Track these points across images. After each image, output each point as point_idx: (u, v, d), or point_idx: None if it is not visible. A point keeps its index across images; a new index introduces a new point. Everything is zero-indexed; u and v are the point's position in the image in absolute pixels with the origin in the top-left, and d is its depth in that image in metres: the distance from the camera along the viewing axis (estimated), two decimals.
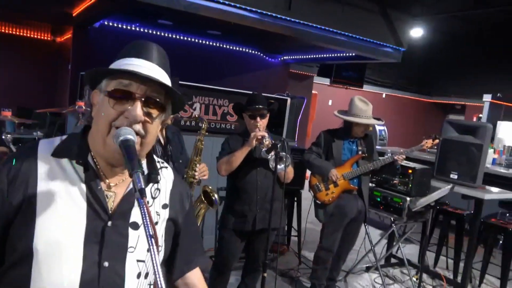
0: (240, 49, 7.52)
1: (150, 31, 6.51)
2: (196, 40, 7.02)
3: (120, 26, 6.22)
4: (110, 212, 1.01)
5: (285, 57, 8.02)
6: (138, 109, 0.97)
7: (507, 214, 4.47)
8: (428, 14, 6.79)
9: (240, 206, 2.87)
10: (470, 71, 10.28)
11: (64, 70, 6.83)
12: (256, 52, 7.73)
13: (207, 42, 7.12)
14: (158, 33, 6.60)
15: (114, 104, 0.98)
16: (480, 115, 9.70)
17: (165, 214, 1.13)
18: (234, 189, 2.93)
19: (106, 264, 0.98)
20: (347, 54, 6.69)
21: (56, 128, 5.12)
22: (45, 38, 7.56)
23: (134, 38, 1.01)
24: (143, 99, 0.99)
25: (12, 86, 7.19)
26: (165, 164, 1.21)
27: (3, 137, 3.65)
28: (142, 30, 6.43)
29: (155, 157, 1.17)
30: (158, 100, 1.01)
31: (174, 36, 6.79)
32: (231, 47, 7.40)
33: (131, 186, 1.04)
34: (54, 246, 0.94)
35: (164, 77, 1.04)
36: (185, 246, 1.22)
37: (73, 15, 5.88)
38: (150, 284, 1.07)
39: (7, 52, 7.20)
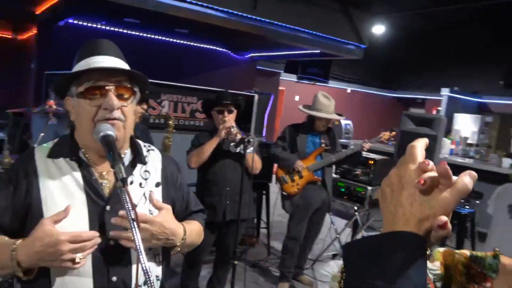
0: (208, 46, 7.60)
1: (116, 29, 6.49)
2: (164, 38, 7.04)
3: (85, 24, 6.17)
4: (106, 197, 1.15)
5: (252, 54, 8.16)
6: (113, 98, 1.11)
7: (462, 200, 4.79)
8: (389, 12, 7.09)
9: (210, 198, 2.99)
10: (430, 66, 10.75)
11: (26, 68, 6.69)
12: (223, 50, 7.83)
13: (175, 40, 7.16)
14: (125, 31, 6.59)
15: (90, 102, 1.12)
16: (439, 108, 10.17)
17: (159, 191, 1.26)
18: (203, 182, 3.04)
19: (112, 243, 1.12)
20: (312, 51, 6.90)
21: (20, 129, 5.04)
22: (5, 36, 7.37)
23: (100, 36, 1.12)
24: (113, 88, 1.12)
25: None
26: (152, 147, 1.34)
27: None
28: (108, 28, 6.40)
29: (140, 142, 1.31)
30: (126, 84, 1.15)
31: (141, 34, 6.79)
32: (198, 45, 7.46)
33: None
34: None
35: (123, 65, 1.19)
36: (182, 210, 1.37)
37: (36, 13, 5.79)
38: (155, 255, 1.22)
39: None
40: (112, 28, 6.45)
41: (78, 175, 1.14)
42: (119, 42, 1.24)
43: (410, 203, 0.53)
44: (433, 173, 0.53)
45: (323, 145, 3.69)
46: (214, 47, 7.67)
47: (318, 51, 6.65)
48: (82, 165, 1.16)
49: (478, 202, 4.74)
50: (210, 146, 2.86)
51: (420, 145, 0.58)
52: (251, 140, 2.72)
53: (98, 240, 1.05)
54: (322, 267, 4.36)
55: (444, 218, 0.51)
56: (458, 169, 3.97)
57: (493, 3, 6.64)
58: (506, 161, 5.97)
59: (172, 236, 1.17)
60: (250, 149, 2.75)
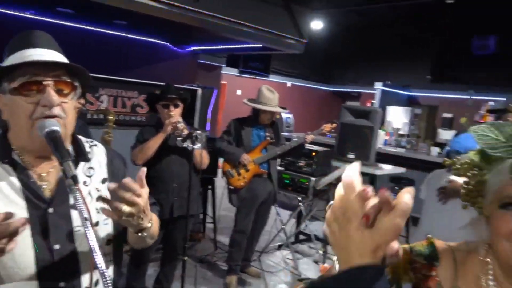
0: (148, 39, 7.37)
1: (47, 19, 6.08)
2: (101, 30, 6.72)
3: (12, 13, 5.71)
4: (48, 199, 1.06)
5: (193, 48, 8.04)
6: (52, 94, 1.02)
7: (396, 187, 5.11)
8: (327, 7, 7.32)
9: (156, 195, 2.91)
10: (364, 61, 11.26)
11: None
12: (164, 43, 7.64)
13: (113, 32, 6.86)
14: (57, 21, 6.20)
15: (26, 99, 1.02)
16: (373, 101, 10.72)
17: (106, 187, 1.18)
18: (149, 179, 2.93)
19: (57, 247, 1.04)
20: (254, 45, 6.95)
21: None
22: None
23: (29, 27, 1.02)
24: (52, 84, 1.04)
25: None
26: (95, 142, 1.26)
27: None
28: (38, 18, 5.98)
29: (82, 138, 1.23)
30: (65, 79, 1.07)
31: (76, 26, 6.42)
32: (138, 38, 7.22)
33: None
34: None
35: (61, 58, 1.10)
36: None
37: None
38: (105, 254, 1.12)
39: None
40: (43, 18, 6.03)
41: (14, 179, 1.05)
42: (51, 33, 1.15)
43: (360, 236, 0.53)
44: (374, 200, 0.53)
45: (268, 138, 3.75)
46: (154, 40, 7.46)
47: (260, 45, 6.71)
48: (18, 168, 1.06)
49: None
50: (156, 142, 2.80)
51: (354, 173, 0.56)
52: (199, 136, 2.70)
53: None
54: (269, 258, 4.44)
55: (395, 247, 0.52)
56: (391, 157, 4.25)
57: (420, 2, 7.10)
58: (434, 150, 6.44)
59: (146, 217, 1.06)
60: (198, 145, 2.72)
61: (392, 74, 10.93)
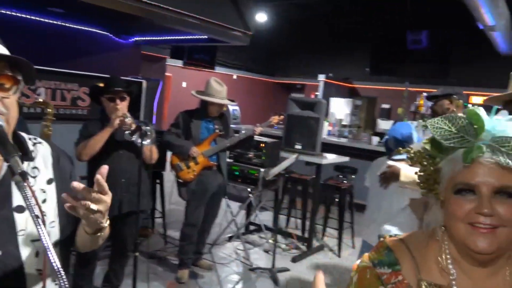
0: (87, 29, 7.00)
1: None
2: (35, 18, 6.27)
3: None
4: None
5: (136, 39, 7.77)
6: None
7: (341, 176, 5.32)
8: (270, 1, 7.39)
9: None
10: (308, 54, 11.54)
11: None
12: (105, 33, 7.30)
13: (49, 21, 6.43)
14: None
15: None
16: (317, 93, 11.02)
17: (52, 188, 1.11)
18: (94, 175, 2.85)
19: None
20: (200, 37, 6.85)
21: None
22: None
23: None
24: None
25: None
26: (39, 140, 1.18)
27: None
28: None
29: (25, 135, 1.14)
30: (7, 73, 1.00)
31: (6, 12, 5.95)
32: (76, 27, 6.83)
33: (3, 171, 1.02)
34: None
35: (1, 49, 1.03)
36: None
37: None
38: None
39: None
40: None
41: None
42: None
43: None
44: None
45: (217, 131, 3.74)
46: (94, 30, 7.10)
47: (206, 36, 6.63)
48: None
49: (353, 176, 5.32)
50: (102, 137, 2.69)
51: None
52: (149, 132, 2.64)
53: None
54: (220, 250, 4.46)
55: None
56: (335, 147, 4.41)
57: None
58: (374, 139, 6.77)
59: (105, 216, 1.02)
60: (147, 141, 2.66)
61: (334, 66, 11.30)
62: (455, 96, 3.15)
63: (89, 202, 0.91)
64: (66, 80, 4.31)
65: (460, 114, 0.83)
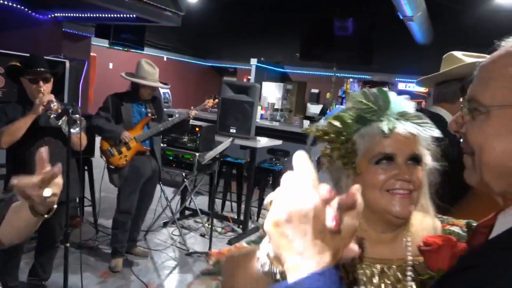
0: (0, 1, 6.32)
1: None
2: None
3: None
4: None
5: (56, 14, 7.18)
6: None
7: (273, 159, 5.45)
8: None
9: None
10: (240, 37, 11.49)
11: None
12: (19, 7, 6.65)
13: None
14: None
15: None
16: (249, 77, 11.08)
17: None
18: (17, 163, 2.63)
19: None
20: (127, 16, 6.51)
21: None
22: None
23: None
24: None
25: None
26: None
27: None
28: None
29: None
30: None
31: None
32: None
33: None
34: None
35: None
36: None
37: None
38: None
39: None
40: None
41: None
42: None
43: (321, 240, 0.49)
44: (335, 202, 0.50)
45: (149, 115, 3.62)
46: (7, 3, 6.43)
47: (134, 15, 6.32)
48: None
49: (286, 159, 5.48)
50: (24, 124, 2.47)
51: (307, 167, 0.51)
52: (78, 121, 2.47)
53: None
54: (155, 236, 4.37)
55: (356, 249, 0.53)
56: (268, 131, 4.55)
57: None
58: (305, 123, 6.99)
59: None
60: (76, 129, 2.49)
61: (266, 50, 11.38)
62: (390, 85, 3.37)
63: (41, 191, 0.89)
64: None
65: (373, 90, 0.90)
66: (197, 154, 4.22)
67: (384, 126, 0.85)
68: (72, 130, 2.43)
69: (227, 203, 5.31)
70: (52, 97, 2.53)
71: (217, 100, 4.29)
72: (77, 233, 4.16)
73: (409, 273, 0.88)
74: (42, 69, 2.55)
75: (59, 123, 2.49)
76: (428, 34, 8.35)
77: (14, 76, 2.63)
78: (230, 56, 12.62)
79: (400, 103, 0.89)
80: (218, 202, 5.24)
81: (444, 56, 1.81)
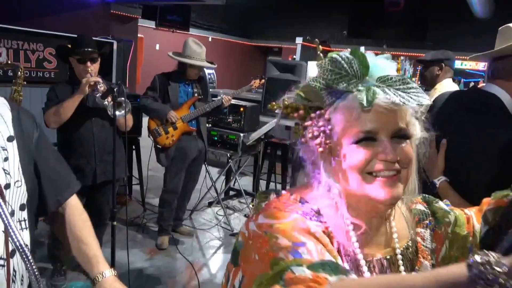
0: None
1: None
2: None
3: None
4: None
5: None
6: None
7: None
8: None
9: (76, 161, 2.67)
10: (285, 16, 11.25)
11: None
12: None
13: None
14: None
15: None
16: (294, 56, 10.83)
17: (13, 146, 1.02)
18: (67, 143, 2.69)
19: None
20: None
21: None
22: None
23: None
24: None
25: None
26: None
27: None
28: None
29: None
30: None
31: None
32: None
33: None
34: None
35: None
36: (48, 173, 1.13)
37: None
38: (19, 220, 1.01)
39: None
40: None
41: None
42: None
43: None
44: None
45: (196, 95, 3.59)
46: None
47: None
48: None
49: None
50: (72, 104, 2.50)
51: None
52: (122, 102, 2.46)
53: None
54: (200, 216, 4.41)
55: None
56: None
57: None
58: None
59: None
60: (121, 112, 2.49)
61: (311, 29, 11.08)
62: (445, 61, 3.12)
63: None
64: (29, 40, 4.01)
65: (346, 54, 0.74)
66: (241, 134, 4.17)
67: (363, 97, 0.70)
68: (117, 113, 2.43)
69: (271, 184, 5.25)
70: (99, 78, 2.54)
71: (263, 80, 4.19)
72: (126, 211, 4.30)
73: (400, 262, 0.79)
74: (89, 49, 2.55)
75: (105, 103, 2.50)
76: (489, 6, 7.72)
77: (64, 57, 2.66)
78: (275, 35, 12.40)
79: (380, 65, 0.74)
80: (262, 183, 5.19)
81: (500, 28, 1.59)
